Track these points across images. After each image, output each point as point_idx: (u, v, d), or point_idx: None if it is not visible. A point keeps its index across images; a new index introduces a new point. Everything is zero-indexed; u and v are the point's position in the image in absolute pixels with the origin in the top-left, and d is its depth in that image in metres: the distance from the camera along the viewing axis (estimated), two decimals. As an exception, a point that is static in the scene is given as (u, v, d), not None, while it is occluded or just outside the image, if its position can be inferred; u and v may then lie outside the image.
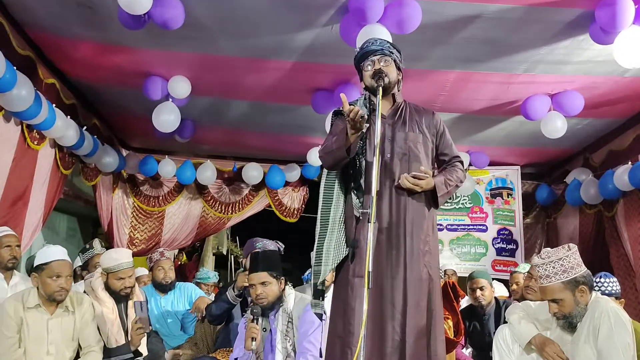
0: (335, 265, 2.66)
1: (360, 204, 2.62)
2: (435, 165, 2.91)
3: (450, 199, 7.12)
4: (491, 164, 6.87)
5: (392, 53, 2.76)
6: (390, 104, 2.77)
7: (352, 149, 2.60)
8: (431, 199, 2.71)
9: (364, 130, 2.59)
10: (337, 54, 4.21)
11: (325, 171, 2.82)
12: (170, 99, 4.96)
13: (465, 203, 7.24)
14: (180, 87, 4.84)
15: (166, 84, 4.86)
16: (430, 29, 3.86)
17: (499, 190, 7.17)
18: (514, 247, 7.04)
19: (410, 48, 3.86)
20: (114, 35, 4.15)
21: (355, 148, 2.61)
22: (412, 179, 2.60)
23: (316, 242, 2.69)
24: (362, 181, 2.64)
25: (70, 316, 3.42)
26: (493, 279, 5.23)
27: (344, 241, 2.68)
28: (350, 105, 2.58)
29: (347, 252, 2.65)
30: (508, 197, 7.13)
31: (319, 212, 2.74)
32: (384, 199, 2.60)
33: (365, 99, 2.77)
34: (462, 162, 2.90)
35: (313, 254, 2.72)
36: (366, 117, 2.52)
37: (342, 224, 2.70)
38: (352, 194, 2.67)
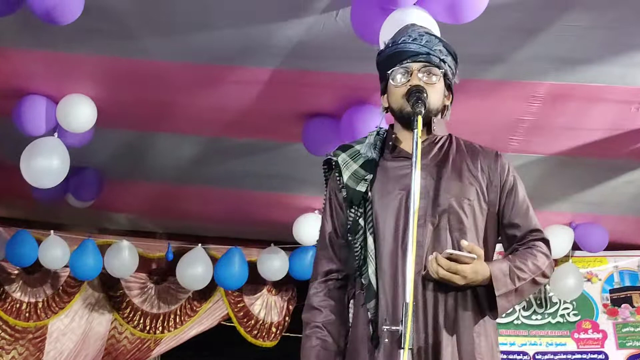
0: None
1: (373, 314, 2.66)
2: (498, 244, 2.89)
3: (540, 304, 7.06)
4: (611, 246, 6.78)
5: (444, 62, 2.80)
6: (422, 137, 2.78)
7: None
8: (486, 301, 2.68)
9: (365, 191, 2.73)
10: (345, 57, 4.25)
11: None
12: (58, 134, 4.99)
13: (568, 315, 7.19)
14: (78, 113, 4.88)
15: (54, 109, 4.90)
16: (505, 13, 3.86)
17: (627, 292, 7.12)
18: (666, 385, 6.96)
19: (472, 45, 3.88)
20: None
21: None
22: (447, 261, 2.54)
23: None
24: (370, 273, 2.69)
25: None
26: None
27: None
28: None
29: None
30: (643, 303, 7.10)
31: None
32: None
33: (378, 134, 2.89)
34: (546, 242, 2.83)
35: None
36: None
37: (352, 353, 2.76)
38: (357, 296, 2.76)
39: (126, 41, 4.33)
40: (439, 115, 2.83)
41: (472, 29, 3.72)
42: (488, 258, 2.71)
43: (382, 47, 2.91)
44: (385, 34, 3.38)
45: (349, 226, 2.75)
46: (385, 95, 2.86)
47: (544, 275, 2.73)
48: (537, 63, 4.44)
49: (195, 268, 7.03)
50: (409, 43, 2.78)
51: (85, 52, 4.45)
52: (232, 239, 7.18)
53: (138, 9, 4.05)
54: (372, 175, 2.75)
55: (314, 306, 2.78)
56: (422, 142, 2.74)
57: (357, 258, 2.72)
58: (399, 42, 2.80)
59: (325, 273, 2.80)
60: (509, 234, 2.83)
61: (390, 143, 2.82)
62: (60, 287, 7.24)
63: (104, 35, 4.26)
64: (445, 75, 2.79)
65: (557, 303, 7.16)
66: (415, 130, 2.57)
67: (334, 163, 2.83)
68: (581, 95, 4.73)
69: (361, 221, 2.73)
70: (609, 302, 7.17)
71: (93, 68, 4.63)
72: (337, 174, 2.79)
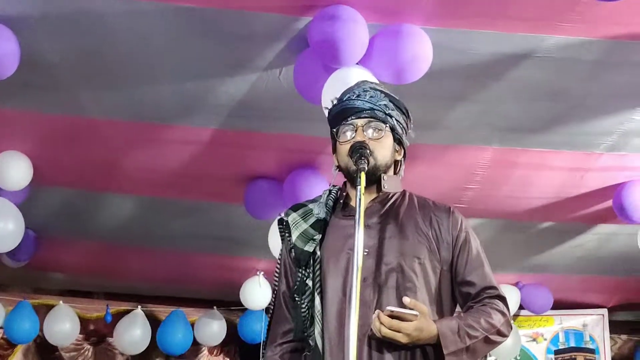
0: None
1: None
2: (451, 304, 2.83)
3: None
4: (557, 305, 6.86)
5: (390, 116, 2.80)
6: (372, 195, 2.85)
7: None
8: None
9: (313, 251, 2.72)
10: (289, 117, 4.28)
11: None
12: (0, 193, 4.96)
13: (511, 377, 7.19)
14: (14, 171, 4.86)
15: (-13, 166, 4.82)
16: (449, 77, 3.90)
17: (572, 354, 7.18)
18: None
19: (414, 110, 3.85)
20: None
21: None
22: (389, 319, 2.51)
23: None
24: (316, 334, 2.68)
25: None
26: None
27: None
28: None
29: None
30: (588, 365, 7.13)
31: None
32: None
33: (330, 192, 2.88)
34: (503, 299, 2.79)
35: None
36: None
37: None
38: (306, 358, 2.73)
39: (62, 97, 4.30)
40: (390, 171, 2.83)
41: (412, 92, 3.67)
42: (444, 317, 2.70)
43: (329, 105, 2.91)
44: (328, 93, 3.42)
45: (296, 287, 2.74)
46: (334, 154, 2.87)
47: (500, 334, 2.68)
48: (480, 129, 4.47)
49: (133, 332, 6.92)
50: (354, 100, 2.79)
51: (20, 107, 4.43)
52: (174, 299, 7.15)
53: (74, 64, 4.02)
54: (320, 235, 2.74)
55: None
56: (373, 199, 2.81)
57: (304, 319, 2.70)
58: (344, 99, 2.83)
59: (281, 335, 2.77)
60: (463, 292, 2.79)
61: (342, 201, 2.82)
62: (-6, 351, 7.08)
63: (39, 90, 4.23)
64: (393, 129, 2.79)
65: None
66: (359, 188, 2.56)
67: (284, 223, 2.82)
68: (526, 162, 4.78)
69: (309, 282, 2.72)
70: (554, 364, 7.24)
71: (28, 124, 4.59)
72: (287, 234, 2.79)
